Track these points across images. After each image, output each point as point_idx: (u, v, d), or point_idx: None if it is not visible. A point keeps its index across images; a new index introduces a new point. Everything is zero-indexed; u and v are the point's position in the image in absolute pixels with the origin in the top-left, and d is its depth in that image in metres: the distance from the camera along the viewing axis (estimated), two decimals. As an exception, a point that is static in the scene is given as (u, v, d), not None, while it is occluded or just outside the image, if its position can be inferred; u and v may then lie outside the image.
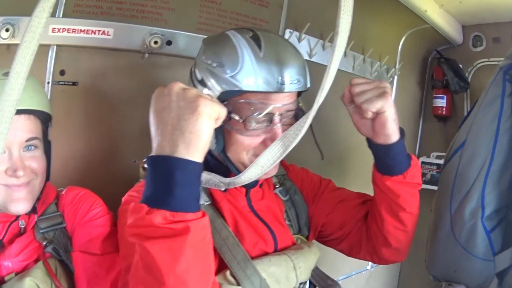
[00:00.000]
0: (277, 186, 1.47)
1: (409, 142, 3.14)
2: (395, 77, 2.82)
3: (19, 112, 1.14)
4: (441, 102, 2.99)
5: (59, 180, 1.34)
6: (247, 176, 1.13)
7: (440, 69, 2.93)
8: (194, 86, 1.24)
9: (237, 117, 1.16)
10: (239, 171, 1.21)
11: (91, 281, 1.18)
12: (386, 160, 1.31)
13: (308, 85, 1.23)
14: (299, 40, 2.05)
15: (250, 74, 1.11)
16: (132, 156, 1.67)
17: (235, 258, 1.20)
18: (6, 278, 1.17)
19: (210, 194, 1.29)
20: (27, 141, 1.17)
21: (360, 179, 2.56)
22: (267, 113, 1.16)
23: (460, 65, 2.89)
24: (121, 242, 1.17)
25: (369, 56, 2.48)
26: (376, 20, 2.46)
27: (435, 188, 2.81)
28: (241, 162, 1.24)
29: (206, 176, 1.24)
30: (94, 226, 1.26)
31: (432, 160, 3.00)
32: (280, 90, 1.14)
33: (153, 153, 0.91)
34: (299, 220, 1.47)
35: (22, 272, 1.18)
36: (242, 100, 1.15)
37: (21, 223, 1.23)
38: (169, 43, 1.67)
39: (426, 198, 2.84)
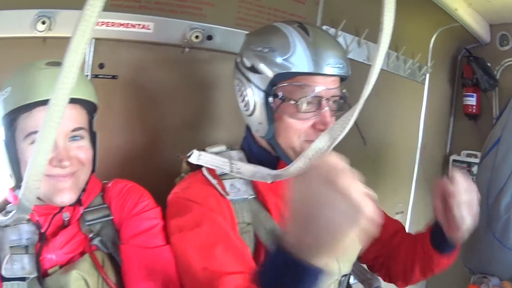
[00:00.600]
0: None
1: (440, 140, 3.12)
2: (427, 75, 2.80)
3: None
4: (471, 100, 2.96)
5: (98, 174, 1.33)
6: (295, 168, 1.17)
7: (470, 67, 2.90)
8: (243, 74, 1.28)
9: (289, 100, 1.20)
10: (288, 158, 1.25)
11: (141, 274, 1.16)
12: (445, 244, 1.33)
13: (350, 73, 1.27)
14: (336, 36, 2.03)
15: (301, 57, 1.18)
16: (172, 151, 1.67)
17: None
18: (49, 271, 1.16)
19: (254, 187, 1.29)
20: (73, 131, 1.15)
21: (392, 178, 2.56)
22: (316, 97, 1.20)
23: (488, 64, 2.86)
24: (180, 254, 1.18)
25: (402, 53, 2.46)
26: (408, 18, 2.44)
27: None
28: (292, 148, 1.26)
29: (252, 169, 1.27)
30: (143, 219, 1.24)
31: (463, 158, 2.99)
32: (328, 71, 1.19)
33: (292, 248, 0.75)
34: None
35: (66, 265, 1.18)
36: (294, 83, 1.20)
37: (65, 215, 1.22)
38: (209, 38, 1.67)
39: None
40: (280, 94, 1.21)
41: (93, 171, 1.25)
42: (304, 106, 1.21)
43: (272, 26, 1.28)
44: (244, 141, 1.41)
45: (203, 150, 1.37)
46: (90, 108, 1.22)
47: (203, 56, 1.71)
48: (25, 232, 1.20)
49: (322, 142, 1.14)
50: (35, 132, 1.09)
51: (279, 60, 1.19)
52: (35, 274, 1.14)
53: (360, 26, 2.15)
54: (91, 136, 1.23)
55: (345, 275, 1.39)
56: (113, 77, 1.58)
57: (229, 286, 1.07)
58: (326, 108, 1.21)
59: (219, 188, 1.26)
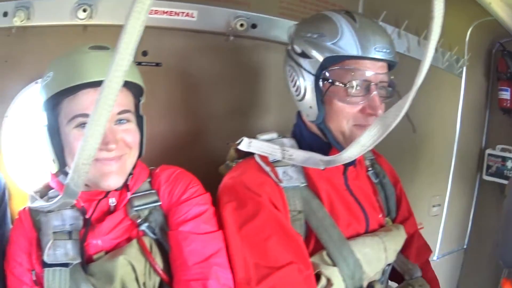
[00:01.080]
0: (369, 169, 1.48)
1: (476, 134, 3.08)
2: (464, 68, 2.76)
3: None
4: (506, 95, 2.91)
5: (141, 160, 1.34)
6: (347, 155, 1.15)
7: (504, 61, 2.87)
8: (294, 61, 1.31)
9: (339, 83, 1.23)
10: (338, 143, 1.27)
11: (191, 260, 1.15)
12: None
13: (397, 60, 1.27)
14: (377, 27, 2.02)
15: (349, 41, 1.21)
16: (216, 138, 1.68)
17: (331, 239, 1.23)
18: (94, 257, 1.17)
19: (306, 174, 1.30)
20: (119, 113, 1.14)
21: (429, 170, 2.53)
22: (365, 81, 1.23)
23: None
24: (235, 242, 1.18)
25: (440, 46, 2.43)
26: (445, 11, 2.41)
27: (500, 181, 2.78)
28: (342, 132, 1.27)
29: (304, 155, 1.27)
30: (193, 205, 1.23)
31: (497, 152, 2.94)
32: (375, 55, 1.21)
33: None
34: (388, 202, 1.49)
35: (112, 251, 1.18)
36: (343, 67, 1.23)
37: (112, 201, 1.21)
38: (254, 26, 1.67)
39: (492, 190, 2.82)
40: (329, 77, 1.24)
41: (140, 155, 1.24)
42: (353, 90, 1.22)
43: (321, 14, 1.31)
44: (295, 128, 1.42)
45: (254, 137, 1.37)
46: (136, 91, 1.21)
47: (247, 44, 1.70)
48: (69, 218, 1.20)
49: (375, 129, 1.12)
50: (81, 115, 1.10)
51: (328, 44, 1.22)
52: (78, 260, 1.14)
53: (400, 18, 2.13)
54: (138, 120, 1.23)
55: (389, 264, 1.39)
56: (157, 64, 1.59)
57: (278, 281, 1.11)
58: (375, 93, 1.22)
59: (272, 175, 1.27)
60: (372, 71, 1.22)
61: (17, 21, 1.62)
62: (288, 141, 1.37)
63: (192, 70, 1.62)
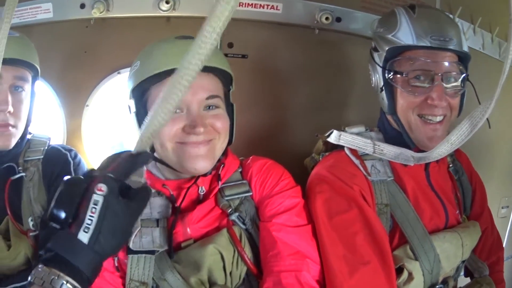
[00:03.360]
0: (450, 165, 1.48)
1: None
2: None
3: None
4: None
5: (229, 150, 1.35)
6: (438, 153, 1.21)
7: None
8: (371, 56, 1.37)
9: (399, 74, 1.28)
10: (408, 135, 1.32)
11: (284, 252, 1.15)
12: None
13: (465, 49, 1.28)
14: (453, 24, 1.99)
15: (406, 31, 1.27)
16: (301, 130, 1.70)
17: (415, 233, 1.24)
18: (182, 245, 1.18)
19: (392, 169, 1.32)
20: (207, 98, 1.15)
21: (497, 171, 2.47)
22: (426, 70, 1.26)
23: None
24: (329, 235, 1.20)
25: (496, 35, 2.37)
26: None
27: None
28: (407, 122, 1.31)
29: (396, 150, 1.30)
30: (286, 197, 1.23)
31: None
32: (431, 44, 1.24)
33: None
34: (465, 200, 1.49)
35: (200, 239, 1.19)
36: (405, 57, 1.28)
37: (201, 189, 1.23)
38: (338, 19, 1.68)
39: None
40: (392, 68, 1.30)
41: (230, 142, 1.25)
42: (414, 80, 1.27)
43: (393, 10, 1.36)
44: (379, 122, 1.44)
45: (342, 130, 1.38)
46: (225, 78, 1.22)
47: (332, 37, 1.71)
48: (157, 206, 1.21)
49: (463, 128, 1.16)
50: None
51: (389, 36, 1.30)
52: (165, 248, 1.16)
53: (474, 14, 2.09)
54: (228, 108, 1.24)
55: (463, 261, 1.40)
56: (243, 56, 1.60)
57: (364, 276, 1.15)
58: (437, 83, 1.24)
59: (362, 169, 1.30)
60: (432, 60, 1.24)
61: (96, 13, 1.68)
62: (375, 134, 1.39)
63: (277, 62, 1.63)
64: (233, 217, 1.20)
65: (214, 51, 1.15)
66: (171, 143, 1.14)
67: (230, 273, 1.16)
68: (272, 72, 1.64)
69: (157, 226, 1.18)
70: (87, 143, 1.83)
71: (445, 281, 1.31)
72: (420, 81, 1.26)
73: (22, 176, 1.41)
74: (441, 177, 1.41)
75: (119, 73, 1.78)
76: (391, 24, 1.31)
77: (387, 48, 1.29)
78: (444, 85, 1.24)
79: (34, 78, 1.46)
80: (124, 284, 1.17)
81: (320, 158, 1.42)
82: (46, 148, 1.50)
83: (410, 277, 1.22)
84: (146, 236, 1.16)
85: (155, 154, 1.21)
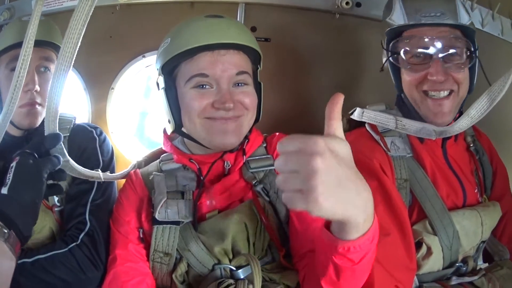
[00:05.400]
0: (470, 145, 1.49)
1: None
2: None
3: (227, 46, 1.18)
4: None
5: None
6: (458, 126, 1.26)
7: None
8: (381, 42, 1.42)
9: (398, 54, 1.33)
10: (417, 113, 1.35)
11: (314, 227, 1.16)
12: None
13: (462, 21, 1.29)
14: (472, 9, 1.99)
15: (398, 13, 1.32)
16: (321, 112, 1.70)
17: (433, 208, 1.27)
18: (207, 215, 1.22)
19: (411, 145, 1.36)
20: (237, 74, 1.19)
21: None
22: (424, 47, 1.28)
23: None
24: None
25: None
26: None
27: None
28: (413, 99, 1.35)
29: (418, 125, 1.33)
30: None
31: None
32: (424, 21, 1.27)
33: None
34: (485, 180, 1.50)
35: (224, 210, 1.23)
36: (401, 39, 1.33)
37: (227, 164, 1.27)
38: (358, 4, 1.70)
39: None
40: (394, 49, 1.35)
41: (257, 120, 1.29)
42: (413, 59, 1.31)
43: None
44: (396, 101, 1.46)
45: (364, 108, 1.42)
46: (253, 56, 1.26)
47: (352, 22, 1.74)
48: (183, 179, 1.28)
49: (482, 102, 1.22)
50: (198, 75, 1.17)
51: (387, 20, 1.35)
52: (190, 219, 1.20)
53: (492, 0, 2.10)
54: (256, 86, 1.27)
55: (483, 242, 1.41)
56: (266, 39, 1.63)
57: (386, 247, 1.13)
58: (434, 58, 1.26)
59: (382, 144, 1.33)
60: (427, 37, 1.27)
61: (122, -1, 1.68)
62: (395, 112, 1.42)
63: (299, 46, 1.66)
64: (258, 188, 1.23)
65: (243, 30, 1.24)
66: (199, 118, 1.18)
67: (254, 244, 1.19)
68: (294, 55, 1.67)
69: (183, 198, 1.23)
70: (111, 125, 1.88)
71: (465, 261, 1.34)
72: (419, 58, 1.29)
73: None
74: (458, 155, 1.43)
75: (143, 56, 1.82)
76: (388, 8, 1.37)
77: (386, 32, 1.35)
78: (444, 60, 1.27)
79: None
80: (148, 255, 1.23)
81: None
82: (72, 126, 1.55)
83: (429, 251, 1.25)
84: (172, 208, 1.21)
85: (183, 129, 1.25)
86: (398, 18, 1.31)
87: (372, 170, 1.26)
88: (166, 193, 1.23)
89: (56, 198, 1.42)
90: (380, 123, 1.36)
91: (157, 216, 1.20)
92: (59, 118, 1.49)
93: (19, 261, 1.19)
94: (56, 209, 1.41)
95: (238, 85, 1.20)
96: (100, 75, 1.89)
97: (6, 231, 0.89)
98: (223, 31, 1.18)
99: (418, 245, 1.25)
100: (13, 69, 1.32)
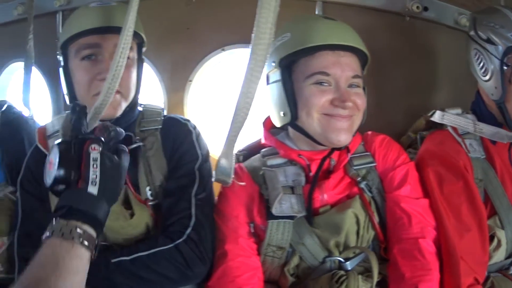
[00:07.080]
0: None
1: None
2: None
3: (346, 48, 1.26)
4: None
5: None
6: None
7: None
8: (480, 45, 1.46)
9: None
10: (495, 120, 1.46)
11: (412, 221, 1.28)
12: None
13: None
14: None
15: None
16: (395, 112, 1.82)
17: (502, 206, 1.39)
18: (320, 210, 1.30)
19: (485, 148, 1.47)
20: (352, 77, 1.26)
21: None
22: None
23: None
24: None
25: None
26: None
27: None
28: None
29: (493, 129, 1.45)
30: (407, 171, 1.36)
31: None
32: None
33: None
34: None
35: (335, 205, 1.31)
36: None
37: (333, 161, 1.35)
38: (426, 9, 1.77)
39: None
40: (510, 62, 1.38)
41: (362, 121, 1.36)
42: None
43: (496, 8, 1.47)
44: (474, 105, 1.56)
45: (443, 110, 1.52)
46: (363, 59, 1.34)
47: (420, 25, 1.81)
48: (291, 174, 1.33)
49: None
50: (320, 73, 1.24)
51: (508, 35, 1.37)
52: (303, 213, 1.27)
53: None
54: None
55: None
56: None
57: (467, 243, 1.28)
58: None
59: (463, 146, 1.45)
60: None
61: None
62: (471, 116, 1.52)
63: (372, 46, 1.73)
64: (362, 185, 1.32)
65: (357, 35, 1.32)
66: (317, 113, 1.25)
67: (362, 236, 1.28)
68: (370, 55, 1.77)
69: (293, 193, 1.28)
70: (190, 117, 1.90)
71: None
72: None
73: (139, 146, 1.38)
74: None
75: (223, 49, 1.86)
76: (507, 24, 1.39)
77: (507, 46, 1.38)
78: None
79: (140, 46, 1.47)
80: (258, 250, 1.30)
81: (417, 137, 1.58)
82: (162, 118, 1.49)
83: (499, 244, 1.36)
84: (285, 202, 1.26)
85: (297, 123, 1.30)
86: None
87: (459, 171, 1.38)
88: (281, 188, 1.27)
89: (148, 192, 1.37)
90: (460, 126, 1.47)
91: (274, 211, 1.24)
92: (145, 110, 1.50)
93: (115, 260, 1.22)
94: (150, 203, 1.36)
95: (352, 86, 1.27)
96: (176, 67, 1.93)
97: (94, 236, 0.86)
98: (342, 34, 1.27)
99: (491, 238, 1.36)
100: (83, 58, 1.34)
